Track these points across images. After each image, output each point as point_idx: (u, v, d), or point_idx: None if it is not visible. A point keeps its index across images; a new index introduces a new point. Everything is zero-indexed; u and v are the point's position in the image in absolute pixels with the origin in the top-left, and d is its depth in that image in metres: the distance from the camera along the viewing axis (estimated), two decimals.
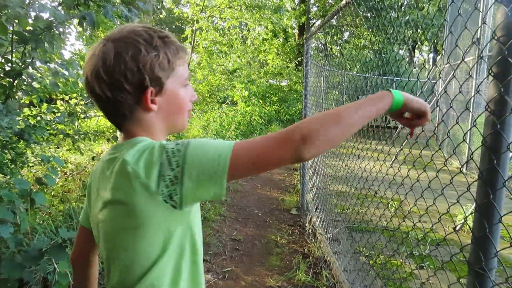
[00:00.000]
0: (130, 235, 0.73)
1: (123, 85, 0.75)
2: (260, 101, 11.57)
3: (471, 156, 1.11)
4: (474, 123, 1.04)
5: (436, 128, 6.41)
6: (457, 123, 1.09)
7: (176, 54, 0.80)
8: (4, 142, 2.24)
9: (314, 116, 0.70)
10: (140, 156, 0.72)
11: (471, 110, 5.15)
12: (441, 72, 6.02)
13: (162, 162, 0.69)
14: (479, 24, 4.96)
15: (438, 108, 6.85)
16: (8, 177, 2.30)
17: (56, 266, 1.94)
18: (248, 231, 3.76)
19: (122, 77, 0.74)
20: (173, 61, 0.80)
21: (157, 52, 0.77)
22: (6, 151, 2.28)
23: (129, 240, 0.74)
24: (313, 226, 3.58)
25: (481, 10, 4.83)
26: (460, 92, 1.09)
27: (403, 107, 0.82)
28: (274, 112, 12.27)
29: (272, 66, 14.12)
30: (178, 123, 0.86)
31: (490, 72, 0.99)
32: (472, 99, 5.24)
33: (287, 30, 17.05)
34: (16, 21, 2.16)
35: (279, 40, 17.29)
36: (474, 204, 1.01)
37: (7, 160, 2.25)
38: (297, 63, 14.86)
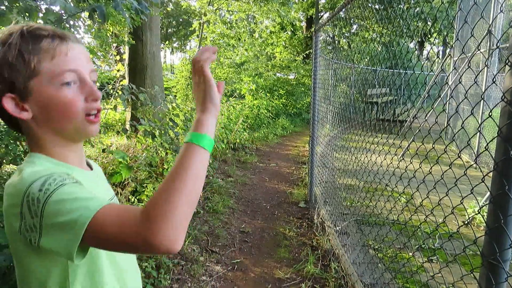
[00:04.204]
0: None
1: None
2: (267, 94, 11.54)
3: (487, 147, 1.08)
4: (490, 114, 1.03)
5: (449, 121, 6.35)
6: (472, 114, 1.07)
7: (36, 49, 0.68)
8: (17, 134, 2.27)
9: (156, 193, 0.61)
10: (7, 191, 0.67)
11: (485, 101, 5.08)
12: (455, 63, 5.94)
13: (23, 206, 0.62)
14: (492, 15, 4.87)
15: (449, 100, 6.76)
16: None
17: None
18: (256, 223, 3.78)
19: None
20: (29, 58, 0.67)
21: (7, 51, 0.67)
22: (19, 143, 2.31)
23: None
24: (321, 219, 3.58)
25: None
26: (475, 82, 1.08)
27: (210, 131, 0.70)
28: (281, 105, 12.24)
29: (280, 59, 14.07)
30: (70, 129, 0.73)
31: (507, 62, 0.97)
32: (485, 91, 5.16)
33: (294, 23, 16.92)
34: (27, 14, 2.18)
35: (286, 33, 17.18)
36: (488, 194, 1.01)
37: (20, 152, 2.28)
38: (304, 56, 14.77)
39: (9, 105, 0.69)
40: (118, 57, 6.50)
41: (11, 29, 0.70)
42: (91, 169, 0.87)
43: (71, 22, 2.46)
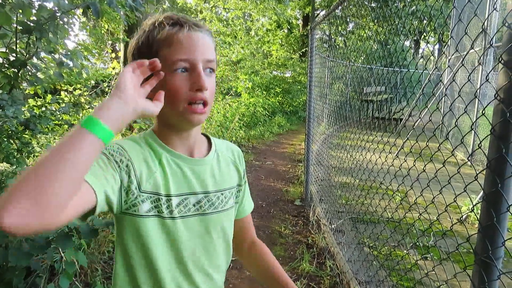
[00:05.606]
0: None
1: None
2: (263, 92, 11.53)
3: (480, 145, 1.09)
4: (483, 112, 1.04)
5: (443, 119, 6.38)
6: (465, 112, 1.08)
7: (161, 36, 0.73)
8: (10, 132, 2.25)
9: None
10: None
11: (479, 99, 5.10)
12: (449, 61, 5.96)
13: None
14: (486, 14, 4.89)
15: (444, 98, 6.79)
16: (15, 166, 2.32)
17: (62, 254, 1.96)
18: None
19: None
20: (153, 44, 0.73)
21: (140, 37, 0.76)
22: (12, 141, 2.29)
23: None
24: (317, 217, 3.59)
25: None
26: (469, 80, 1.08)
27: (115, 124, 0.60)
28: (277, 103, 12.23)
29: (276, 57, 14.04)
30: (173, 115, 0.75)
31: (500, 60, 0.97)
32: (479, 89, 5.19)
33: (291, 21, 16.90)
34: (20, 10, 2.15)
35: (283, 31, 17.15)
36: (481, 193, 1.01)
37: (13, 150, 2.26)
38: (301, 54, 14.76)
39: None
40: (113, 55, 6.46)
41: (155, 17, 0.77)
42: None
43: (65, 19, 2.44)
